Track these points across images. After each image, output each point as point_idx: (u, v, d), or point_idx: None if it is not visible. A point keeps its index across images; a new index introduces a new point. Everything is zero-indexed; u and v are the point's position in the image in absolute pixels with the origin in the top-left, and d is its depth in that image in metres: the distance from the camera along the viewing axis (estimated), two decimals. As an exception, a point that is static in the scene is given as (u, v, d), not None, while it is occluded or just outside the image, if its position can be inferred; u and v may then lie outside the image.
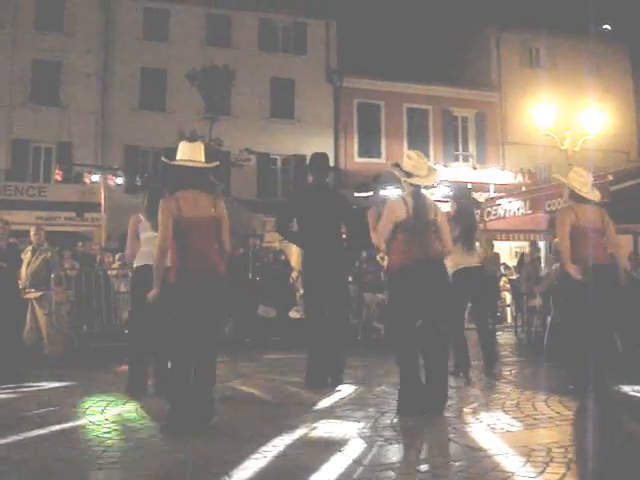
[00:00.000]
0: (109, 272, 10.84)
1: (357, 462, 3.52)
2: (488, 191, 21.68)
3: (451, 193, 8.74)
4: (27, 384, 6.47)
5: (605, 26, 27.03)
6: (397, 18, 27.64)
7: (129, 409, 5.12)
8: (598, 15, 22.64)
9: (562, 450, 3.67)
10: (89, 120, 22.56)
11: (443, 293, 4.92)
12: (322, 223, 6.16)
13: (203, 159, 4.66)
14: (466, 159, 26.20)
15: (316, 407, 5.10)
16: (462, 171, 24.00)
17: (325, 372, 6.08)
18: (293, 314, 11.00)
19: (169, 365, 4.71)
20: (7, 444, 3.99)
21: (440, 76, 25.96)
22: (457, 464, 3.47)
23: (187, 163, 4.55)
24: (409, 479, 3.34)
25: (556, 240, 7.14)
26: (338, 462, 3.51)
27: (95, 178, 20.10)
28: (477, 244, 7.28)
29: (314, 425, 4.38)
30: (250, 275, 11.53)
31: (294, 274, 12.16)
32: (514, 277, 14.37)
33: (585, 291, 5.34)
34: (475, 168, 24.60)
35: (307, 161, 6.90)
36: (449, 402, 4.86)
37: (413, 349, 4.79)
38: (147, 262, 5.41)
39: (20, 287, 8.79)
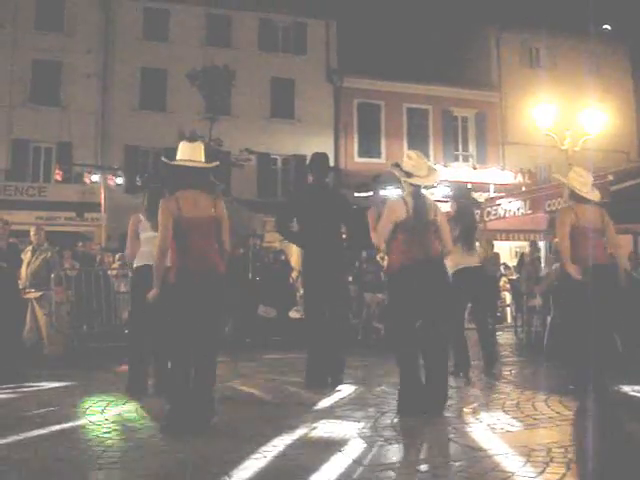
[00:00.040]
0: (109, 272, 10.84)
1: (357, 462, 3.52)
2: (488, 191, 21.67)
3: (451, 193, 8.74)
4: (27, 384, 6.47)
5: (605, 26, 27.03)
6: (397, 18, 27.65)
7: (129, 409, 5.12)
8: (598, 15, 22.65)
9: (562, 450, 3.67)
10: (89, 120, 22.56)
11: (443, 293, 4.92)
12: (322, 223, 6.16)
13: (203, 159, 4.67)
14: (466, 159, 26.20)
15: (316, 407, 5.10)
16: (462, 171, 24.01)
17: (325, 372, 6.08)
18: (293, 314, 11.00)
19: (169, 365, 4.71)
20: (7, 444, 3.99)
21: (440, 76, 25.96)
22: (457, 464, 3.47)
23: (187, 163, 4.55)
24: (409, 479, 3.35)
25: (556, 240, 7.14)
26: (338, 462, 3.51)
27: (95, 178, 20.11)
28: (477, 244, 7.28)
29: (314, 425, 4.39)
30: (250, 275, 11.53)
31: (294, 274, 12.16)
32: (514, 277, 14.37)
33: (585, 291, 5.34)
34: (475, 168, 24.60)
35: (307, 161, 6.90)
36: (449, 402, 4.86)
37: (413, 349, 4.79)
38: (147, 262, 5.41)
39: (20, 287, 8.80)
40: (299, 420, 4.53)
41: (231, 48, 23.88)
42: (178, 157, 4.61)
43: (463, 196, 7.64)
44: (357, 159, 24.85)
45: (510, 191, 18.30)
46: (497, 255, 12.59)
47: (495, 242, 13.30)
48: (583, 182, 5.65)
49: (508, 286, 14.97)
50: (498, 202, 12.53)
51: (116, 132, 22.58)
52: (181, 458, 3.68)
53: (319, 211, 6.19)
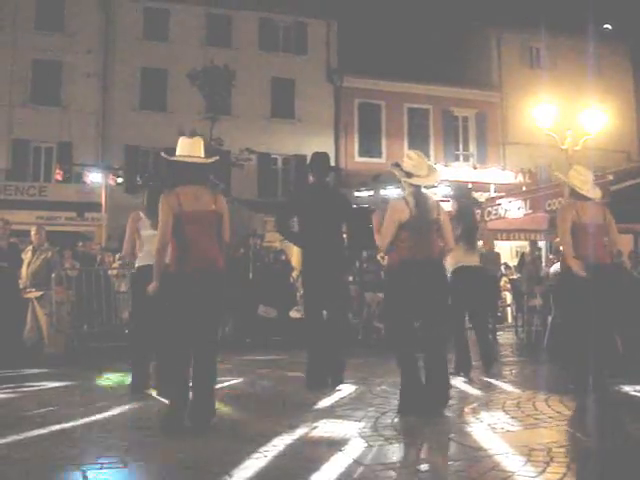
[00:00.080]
0: (109, 272, 10.84)
1: (357, 461, 3.52)
2: (489, 191, 21.68)
3: (451, 193, 8.74)
4: (27, 384, 6.47)
5: (606, 26, 27.02)
6: (398, 18, 27.65)
7: (129, 409, 5.12)
8: (598, 15, 22.65)
9: (562, 450, 3.68)
10: (89, 120, 22.58)
11: (441, 293, 4.92)
12: (323, 223, 6.15)
13: (202, 154, 4.67)
14: (467, 159, 26.21)
15: (316, 407, 5.10)
16: (463, 171, 24.02)
17: (325, 372, 6.08)
18: (294, 314, 11.00)
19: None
20: (7, 444, 3.98)
21: (441, 76, 25.96)
22: (457, 464, 3.47)
23: (186, 159, 4.55)
24: (409, 479, 3.34)
25: (557, 240, 7.15)
26: (339, 461, 3.51)
27: (95, 178, 20.15)
28: (480, 243, 7.29)
29: (315, 425, 4.38)
30: (250, 275, 11.52)
31: (295, 274, 12.16)
32: (515, 277, 14.38)
33: (586, 290, 5.34)
34: (476, 168, 24.60)
35: (308, 161, 6.89)
36: (450, 402, 4.86)
37: (411, 349, 4.79)
38: (149, 262, 5.40)
39: (21, 287, 8.81)
40: (299, 420, 4.53)
41: (231, 48, 23.90)
42: (177, 153, 4.61)
43: (464, 196, 7.63)
44: (357, 159, 24.87)
45: (510, 191, 18.30)
46: (498, 255, 12.60)
47: (496, 242, 13.29)
48: (584, 180, 5.65)
49: (509, 286, 14.98)
50: (498, 202, 12.55)
51: (116, 132, 22.60)
52: (181, 458, 3.67)
53: (320, 211, 6.18)
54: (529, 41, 26.98)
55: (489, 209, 12.42)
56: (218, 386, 4.69)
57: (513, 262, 17.74)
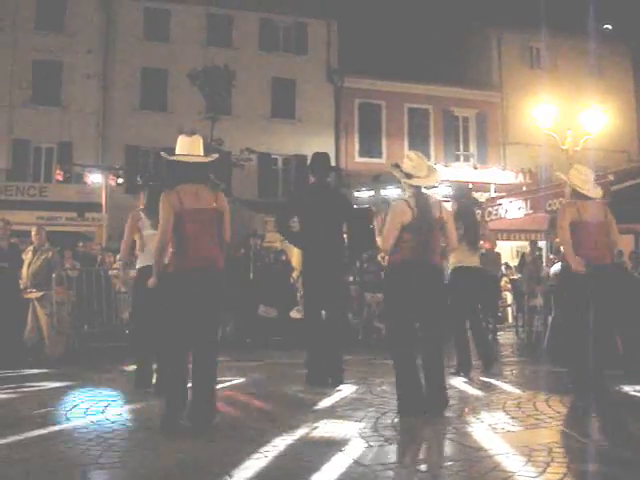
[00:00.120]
0: (110, 272, 10.83)
1: (358, 462, 3.52)
2: (489, 191, 21.66)
3: (452, 193, 8.74)
4: (27, 384, 6.47)
5: (606, 26, 27.01)
6: (398, 18, 27.66)
7: (130, 409, 5.13)
8: (599, 15, 22.63)
9: (563, 450, 3.68)
10: (90, 120, 22.59)
11: (440, 294, 4.91)
12: (323, 223, 6.15)
13: (202, 152, 4.67)
14: (467, 159, 26.20)
15: (317, 407, 5.10)
16: (463, 171, 23.98)
17: (325, 372, 6.08)
18: (294, 314, 10.99)
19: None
20: (8, 444, 3.98)
21: (441, 76, 25.96)
22: (457, 464, 3.46)
23: (186, 158, 4.55)
24: (409, 479, 3.34)
25: (557, 240, 7.14)
26: (339, 462, 3.51)
27: (96, 178, 20.14)
28: (481, 242, 7.29)
29: (315, 425, 4.38)
30: (251, 275, 11.52)
31: (295, 274, 12.15)
32: (515, 277, 14.37)
33: (586, 289, 5.34)
34: (476, 168, 24.57)
35: (308, 161, 6.89)
36: (450, 402, 4.85)
37: (411, 349, 4.78)
38: (150, 263, 5.40)
39: (21, 287, 8.81)
40: (300, 420, 4.53)
41: (232, 48, 23.90)
42: (177, 152, 4.61)
43: (464, 196, 7.63)
44: (358, 159, 24.86)
45: (511, 191, 18.29)
46: (498, 255, 12.60)
47: (496, 242, 13.30)
48: (584, 180, 5.65)
49: (509, 286, 14.98)
50: (499, 202, 12.54)
51: (117, 132, 22.60)
52: (182, 458, 3.67)
53: (320, 211, 6.18)
54: (529, 41, 26.98)
55: (489, 209, 12.42)
56: (218, 386, 4.69)
57: (514, 262, 17.74)
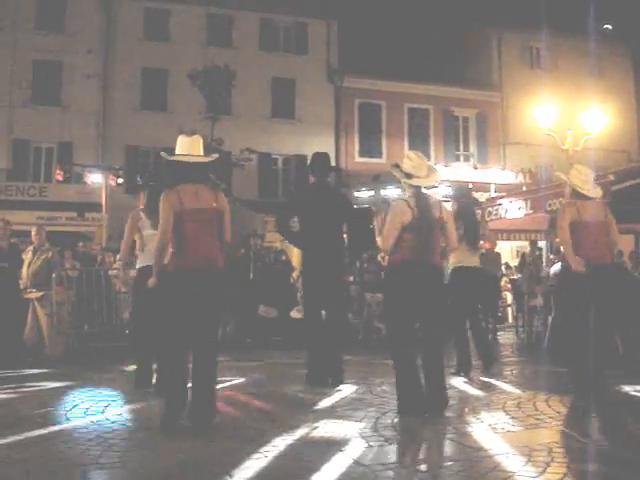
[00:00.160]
0: (110, 272, 10.83)
1: (358, 462, 3.52)
2: (489, 191, 21.66)
3: (452, 193, 8.74)
4: (27, 384, 6.47)
5: (606, 26, 26.99)
6: (398, 18, 27.65)
7: (130, 409, 5.13)
8: (599, 15, 22.63)
9: (563, 450, 3.67)
10: (90, 120, 22.59)
11: (440, 294, 4.91)
12: (323, 223, 6.15)
13: (202, 152, 4.67)
14: (467, 159, 26.19)
15: (317, 407, 5.10)
16: (463, 171, 23.97)
17: (326, 372, 6.08)
18: (294, 314, 10.99)
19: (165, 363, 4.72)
20: (8, 444, 3.99)
21: (441, 76, 25.96)
22: (457, 464, 3.46)
23: (185, 158, 4.56)
24: (409, 479, 3.34)
25: (557, 240, 7.15)
26: (339, 462, 3.51)
27: (96, 178, 20.14)
28: (482, 242, 7.29)
29: (315, 425, 4.38)
30: (251, 275, 11.52)
31: (295, 274, 12.15)
32: (515, 277, 14.37)
33: (586, 289, 5.34)
34: (476, 168, 24.56)
35: (308, 161, 6.89)
36: (450, 402, 4.85)
37: (411, 349, 4.78)
38: (150, 263, 5.40)
39: (21, 287, 8.81)
40: (300, 420, 4.53)
41: (232, 48, 23.90)
42: (177, 152, 4.62)
43: (464, 196, 7.63)
44: (358, 159, 24.86)
45: (511, 191, 18.29)
46: (498, 255, 12.60)
47: (497, 242, 13.29)
48: (584, 180, 5.65)
49: (509, 286, 14.98)
50: (499, 202, 12.54)
51: (117, 132, 22.61)
52: (182, 458, 3.67)
53: (320, 211, 6.18)
54: (529, 41, 26.97)
55: (489, 209, 12.43)
56: (219, 386, 4.69)
57: (514, 262, 17.74)
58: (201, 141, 4.72)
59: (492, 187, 22.49)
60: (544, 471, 3.28)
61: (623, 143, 25.58)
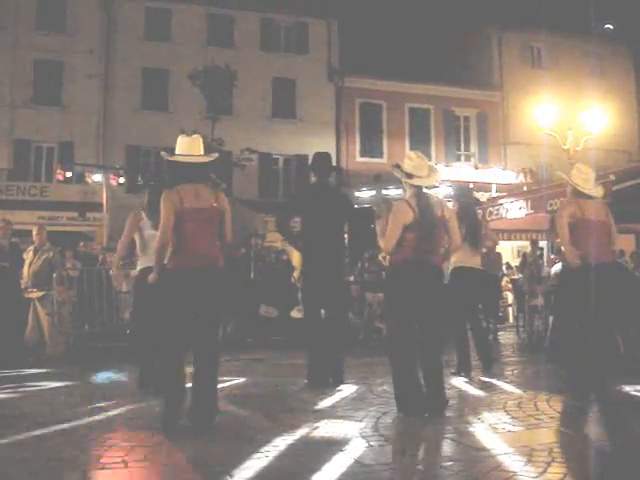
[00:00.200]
0: (111, 272, 10.82)
1: (358, 462, 3.51)
2: (490, 191, 21.65)
3: (452, 193, 8.73)
4: (28, 384, 6.47)
5: (607, 25, 26.97)
6: (399, 18, 27.61)
7: (131, 409, 5.12)
8: (600, 15, 22.62)
9: (563, 450, 3.67)
10: (91, 120, 22.60)
11: (440, 294, 4.90)
12: (324, 222, 6.15)
13: (202, 152, 4.67)
14: (468, 159, 26.19)
15: (317, 407, 5.10)
16: (464, 171, 23.96)
17: (326, 372, 6.08)
18: (295, 314, 10.97)
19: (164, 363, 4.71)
20: (8, 444, 3.99)
21: (442, 76, 25.95)
22: (457, 464, 3.46)
23: (185, 159, 4.56)
24: (409, 479, 3.34)
25: (558, 240, 7.15)
26: (339, 462, 3.51)
27: (97, 178, 20.16)
28: (486, 243, 7.30)
29: (315, 425, 4.38)
30: (252, 275, 11.53)
31: (295, 274, 12.13)
32: (516, 277, 14.36)
33: (587, 288, 5.34)
34: (477, 168, 24.56)
35: (309, 161, 6.89)
36: (450, 402, 4.86)
37: (411, 349, 4.77)
38: (151, 264, 5.40)
39: (22, 287, 8.81)
40: (300, 420, 4.53)
41: (232, 48, 23.90)
42: (177, 152, 4.62)
43: (464, 195, 7.62)
44: (359, 159, 24.87)
45: (512, 191, 18.28)
46: (499, 256, 12.59)
47: (498, 241, 13.28)
48: (585, 179, 5.65)
49: (510, 286, 14.97)
50: (500, 202, 12.52)
51: (117, 132, 22.62)
52: (182, 458, 3.68)
53: (321, 211, 6.18)
54: (530, 41, 26.97)
55: (490, 209, 12.41)
56: (219, 386, 4.69)
57: (515, 262, 17.73)
58: (201, 141, 4.73)
59: (493, 187, 22.49)
60: (545, 471, 3.28)
61: (624, 143, 25.56)
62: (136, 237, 6.01)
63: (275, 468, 3.45)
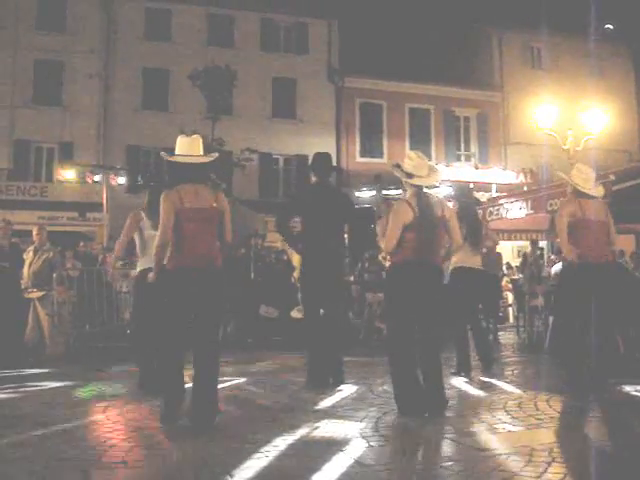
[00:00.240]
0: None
1: (358, 462, 3.52)
2: (490, 191, 21.67)
3: (453, 193, 8.74)
4: (28, 384, 6.47)
5: (607, 26, 26.97)
6: (399, 18, 27.65)
7: (131, 409, 5.12)
8: (600, 15, 22.61)
9: (564, 450, 3.67)
10: (91, 120, 22.61)
11: (440, 296, 4.90)
12: (324, 223, 6.15)
13: (202, 152, 4.68)
14: (468, 159, 26.19)
15: (317, 407, 5.10)
16: (464, 171, 23.99)
17: (326, 372, 6.08)
18: (295, 314, 10.97)
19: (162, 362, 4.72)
20: (8, 444, 3.99)
21: (442, 76, 25.96)
22: (458, 464, 3.46)
23: (185, 159, 4.56)
24: (409, 479, 3.34)
25: (558, 240, 7.14)
26: (340, 462, 3.51)
27: (97, 178, 20.18)
28: (486, 243, 7.29)
29: (316, 425, 4.38)
30: (252, 275, 11.52)
31: (295, 274, 12.13)
32: (516, 277, 14.36)
33: (586, 287, 5.34)
34: (477, 168, 24.57)
35: (309, 161, 6.89)
36: (450, 402, 4.86)
37: (411, 349, 4.77)
38: (152, 265, 5.40)
39: (22, 287, 8.81)
40: (301, 420, 4.53)
41: (233, 48, 23.91)
42: (176, 152, 4.62)
43: (464, 195, 7.63)
44: (359, 159, 24.87)
45: (512, 191, 18.28)
46: (499, 256, 12.58)
47: (498, 241, 13.27)
48: (585, 179, 5.65)
49: (510, 286, 14.96)
50: (500, 202, 12.52)
51: (118, 132, 22.62)
52: (182, 458, 3.68)
53: (322, 211, 6.18)
54: (530, 41, 26.97)
55: (490, 209, 12.40)
56: (219, 386, 4.69)
57: (515, 262, 17.73)
58: (201, 141, 4.73)
59: (493, 187, 22.51)
60: (545, 471, 3.28)
61: (624, 143, 25.57)
62: (136, 237, 6.01)
63: (275, 468, 3.45)
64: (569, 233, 5.55)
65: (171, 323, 4.40)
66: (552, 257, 13.39)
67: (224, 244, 4.62)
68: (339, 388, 5.90)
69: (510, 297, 15.63)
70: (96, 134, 22.69)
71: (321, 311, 6.36)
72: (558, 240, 6.37)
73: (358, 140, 25.10)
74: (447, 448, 3.89)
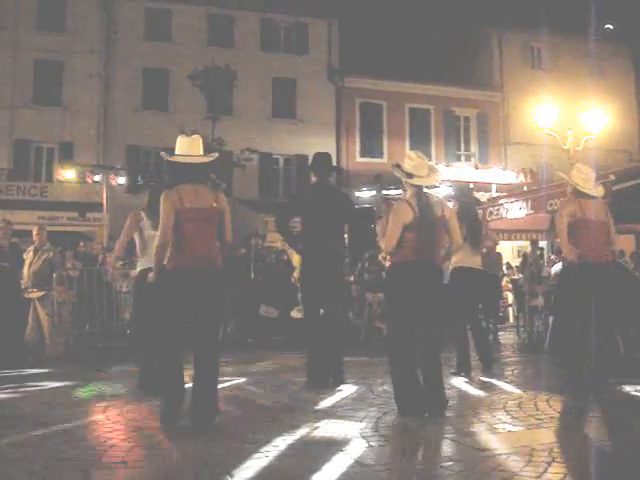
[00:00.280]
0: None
1: (358, 462, 3.51)
2: (490, 191, 21.67)
3: (453, 193, 8.74)
4: (28, 384, 6.47)
5: (607, 26, 26.97)
6: (399, 18, 27.65)
7: (131, 409, 5.12)
8: (600, 15, 22.61)
9: (564, 450, 3.67)
10: (91, 120, 22.61)
11: (440, 296, 4.90)
12: (324, 223, 6.15)
13: (202, 152, 4.68)
14: (468, 159, 26.19)
15: (317, 407, 5.10)
16: (464, 171, 23.98)
17: (326, 372, 6.08)
18: (295, 314, 10.96)
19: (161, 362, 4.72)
20: (8, 444, 3.99)
21: (442, 76, 25.96)
22: (458, 464, 3.46)
23: (185, 159, 4.57)
24: (409, 479, 3.34)
25: (557, 240, 7.14)
26: (340, 462, 3.51)
27: (97, 178, 20.18)
28: (486, 243, 7.29)
29: (316, 425, 4.38)
30: (252, 275, 11.52)
31: (295, 274, 12.12)
32: (516, 277, 14.36)
33: (586, 287, 5.34)
34: (477, 168, 24.57)
35: (309, 161, 6.89)
36: (450, 402, 4.86)
37: (411, 349, 4.77)
38: (152, 265, 5.40)
39: (22, 287, 8.81)
40: (301, 420, 4.53)
41: (233, 48, 23.91)
42: (176, 152, 4.62)
43: (464, 195, 7.62)
44: (359, 159, 24.87)
45: (512, 191, 18.28)
46: (499, 256, 12.58)
47: (498, 241, 13.27)
48: (585, 179, 5.65)
49: (510, 286, 14.96)
50: (500, 202, 12.52)
51: (118, 132, 22.62)
52: (182, 458, 3.68)
53: (322, 211, 6.18)
54: (530, 41, 26.97)
55: (490, 209, 12.40)
56: (219, 386, 4.69)
57: (515, 262, 17.73)
58: (201, 141, 4.73)
59: (493, 187, 22.51)
60: (545, 471, 3.28)
61: (624, 143, 25.57)
62: (136, 237, 6.01)
63: (275, 468, 3.45)
64: (569, 233, 5.55)
65: (171, 323, 4.41)
66: (552, 257, 13.39)
67: (224, 244, 4.62)
68: (339, 388, 5.90)
69: (510, 297, 15.63)
70: (96, 134, 22.69)
71: (321, 311, 6.36)
72: (558, 240, 6.37)
73: (358, 140, 25.10)
74: (447, 448, 3.89)
